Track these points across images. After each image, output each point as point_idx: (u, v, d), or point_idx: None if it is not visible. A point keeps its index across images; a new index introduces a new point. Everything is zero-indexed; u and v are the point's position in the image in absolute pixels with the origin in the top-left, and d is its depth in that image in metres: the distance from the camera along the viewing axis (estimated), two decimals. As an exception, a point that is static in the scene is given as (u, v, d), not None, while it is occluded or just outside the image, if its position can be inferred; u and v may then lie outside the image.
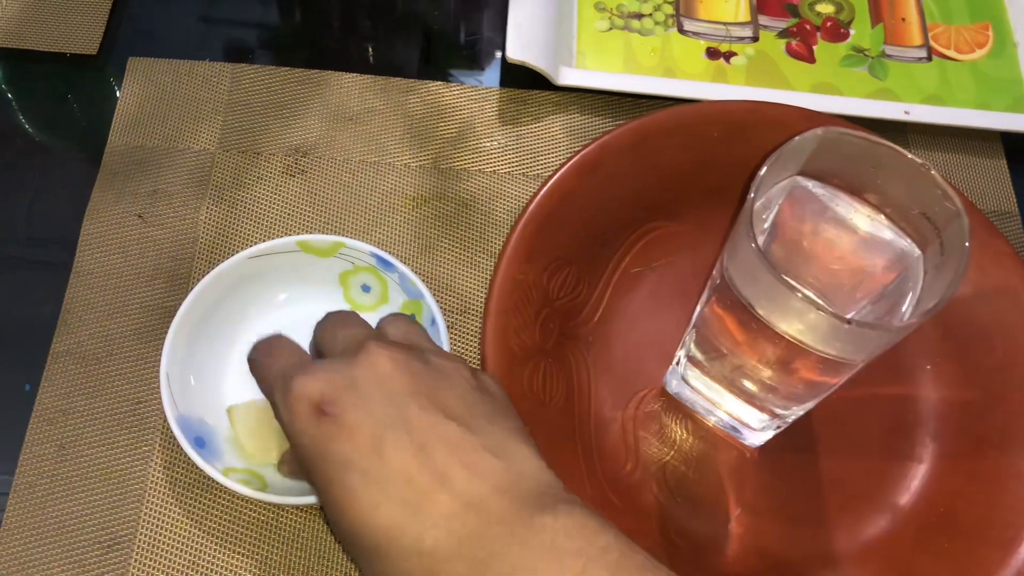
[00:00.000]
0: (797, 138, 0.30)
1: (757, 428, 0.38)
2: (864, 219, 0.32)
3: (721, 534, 0.38)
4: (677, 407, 0.40)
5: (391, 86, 0.49)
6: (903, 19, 0.54)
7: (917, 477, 0.39)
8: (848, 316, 0.26)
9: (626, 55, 0.51)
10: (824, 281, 0.35)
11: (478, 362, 0.41)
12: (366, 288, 0.42)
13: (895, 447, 0.40)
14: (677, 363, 0.39)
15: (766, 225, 0.32)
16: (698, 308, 0.35)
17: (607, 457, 0.39)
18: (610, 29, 0.52)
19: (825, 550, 0.37)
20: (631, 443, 0.40)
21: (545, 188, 0.41)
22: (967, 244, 0.28)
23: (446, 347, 0.38)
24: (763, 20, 0.53)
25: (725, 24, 0.53)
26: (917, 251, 0.31)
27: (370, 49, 0.52)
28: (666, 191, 0.44)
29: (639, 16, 0.52)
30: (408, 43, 0.52)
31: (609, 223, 0.43)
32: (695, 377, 0.38)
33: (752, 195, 0.28)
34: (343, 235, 0.44)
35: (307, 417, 0.27)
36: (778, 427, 0.37)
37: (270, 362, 0.32)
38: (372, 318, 0.42)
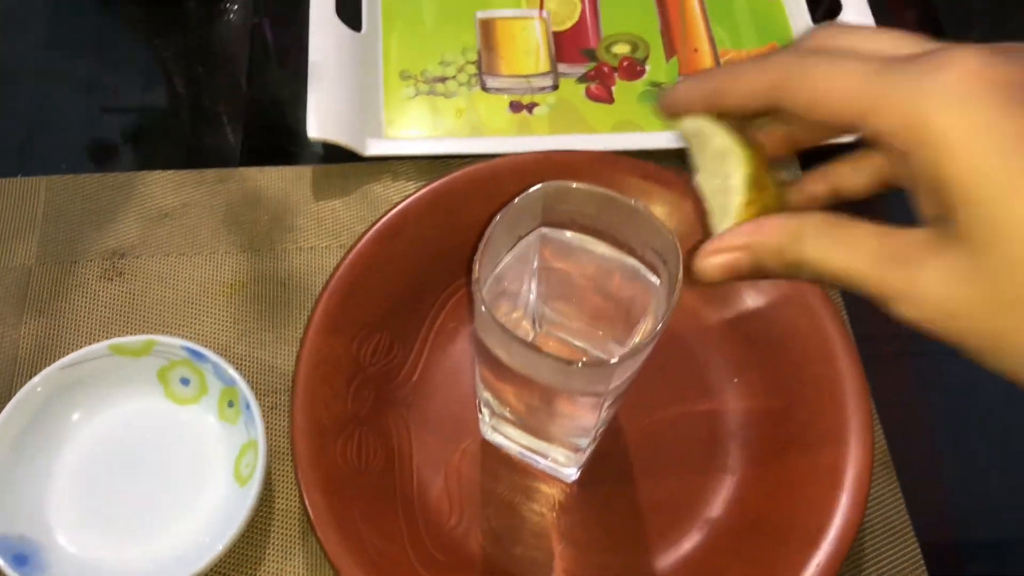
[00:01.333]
0: (518, 198, 0.32)
1: (565, 463, 0.39)
2: (612, 257, 0.34)
3: (545, 571, 0.39)
4: (495, 454, 0.42)
5: (204, 177, 0.50)
6: (695, 49, 0.57)
7: (729, 488, 0.41)
8: (595, 356, 0.28)
9: (433, 119, 0.53)
10: (594, 316, 0.36)
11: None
12: (185, 381, 0.43)
13: (708, 461, 0.42)
14: (481, 413, 0.40)
15: (531, 281, 0.34)
16: (474, 362, 0.37)
17: (431, 513, 0.40)
18: (416, 96, 0.54)
19: (646, 571, 0.39)
20: (455, 496, 0.41)
21: (347, 258, 0.43)
22: (679, 275, 0.29)
23: (261, 431, 0.39)
24: (562, 68, 0.56)
25: (526, 76, 0.55)
26: (657, 280, 0.33)
27: (188, 144, 0.53)
28: (471, 245, 0.45)
29: (443, 79, 0.55)
30: (220, 134, 0.53)
31: (419, 284, 0.45)
32: (498, 424, 0.39)
33: (477, 263, 0.30)
34: (162, 331, 0.45)
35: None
36: (582, 459, 0.39)
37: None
38: (195, 410, 0.43)
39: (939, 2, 0.62)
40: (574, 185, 0.32)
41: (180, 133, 0.54)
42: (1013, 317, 0.21)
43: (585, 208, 0.32)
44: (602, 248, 0.34)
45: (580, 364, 0.28)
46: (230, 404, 0.42)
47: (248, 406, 0.40)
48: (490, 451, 0.42)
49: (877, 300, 0.23)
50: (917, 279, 0.22)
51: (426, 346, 0.44)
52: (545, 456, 0.39)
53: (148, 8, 0.58)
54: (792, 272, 0.24)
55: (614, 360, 0.28)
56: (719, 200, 0.26)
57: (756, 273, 0.25)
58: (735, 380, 0.44)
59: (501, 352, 0.30)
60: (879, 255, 0.22)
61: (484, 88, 0.55)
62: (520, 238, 0.33)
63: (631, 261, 0.34)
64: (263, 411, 0.40)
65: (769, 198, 0.26)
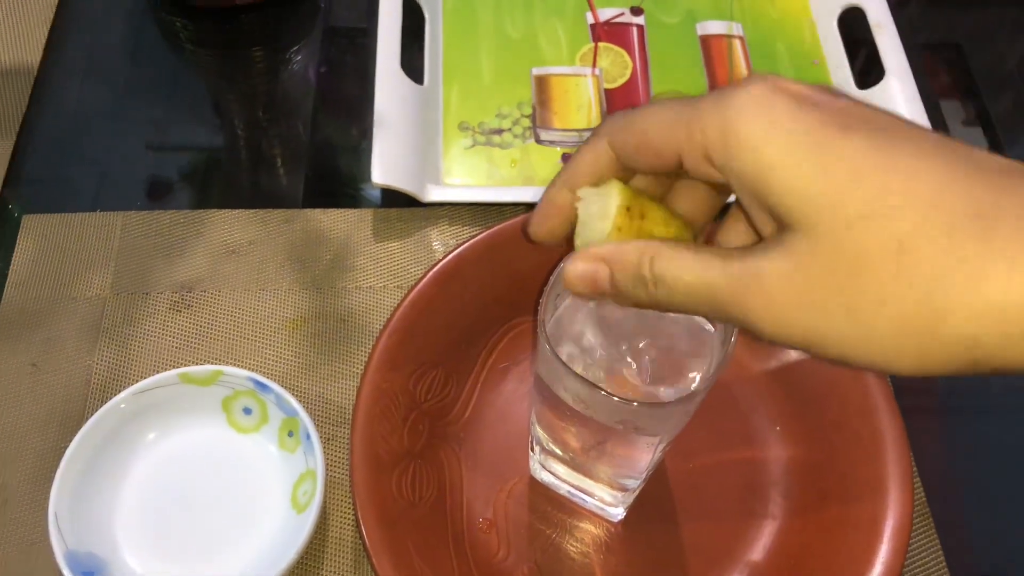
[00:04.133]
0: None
1: (612, 503, 0.41)
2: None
3: (590, 609, 0.40)
4: (543, 492, 0.43)
5: (270, 217, 0.53)
6: (741, 109, 0.59)
7: (770, 534, 0.42)
8: (640, 396, 0.30)
9: (488, 168, 0.56)
10: (651, 361, 0.38)
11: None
12: (247, 410, 0.45)
13: (749, 507, 0.43)
14: (533, 451, 0.42)
15: (587, 319, 0.36)
16: (533, 401, 0.39)
17: (480, 547, 0.41)
18: (473, 146, 0.56)
19: (688, 613, 0.40)
20: (503, 530, 0.42)
21: (406, 300, 0.45)
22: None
23: (320, 461, 0.41)
24: (613, 123, 0.58)
25: (578, 131, 0.58)
26: (710, 328, 0.35)
27: (252, 185, 0.56)
28: (523, 290, 0.48)
29: (499, 131, 0.57)
30: (283, 177, 0.56)
31: (472, 324, 0.47)
32: (549, 462, 0.41)
33: (542, 303, 0.32)
34: (226, 363, 0.47)
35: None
36: (629, 500, 0.40)
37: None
38: (256, 439, 0.45)
39: (975, 66, 0.64)
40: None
41: (245, 175, 0.56)
42: (841, 297, 0.22)
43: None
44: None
45: (636, 404, 0.30)
46: (290, 434, 0.44)
47: (308, 436, 0.42)
48: (538, 489, 0.43)
49: (732, 312, 0.23)
50: (761, 278, 0.23)
51: (478, 384, 0.46)
52: (592, 495, 0.41)
53: (219, 52, 0.62)
54: (650, 293, 0.25)
55: (671, 401, 0.30)
56: (597, 226, 0.27)
57: (616, 291, 0.26)
58: (777, 429, 0.45)
59: (561, 390, 0.32)
60: (729, 262, 0.24)
61: (538, 140, 0.57)
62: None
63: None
64: (322, 443, 0.42)
65: (652, 227, 0.27)
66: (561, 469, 0.41)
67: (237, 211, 0.53)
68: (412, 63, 0.57)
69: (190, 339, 0.48)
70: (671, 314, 0.35)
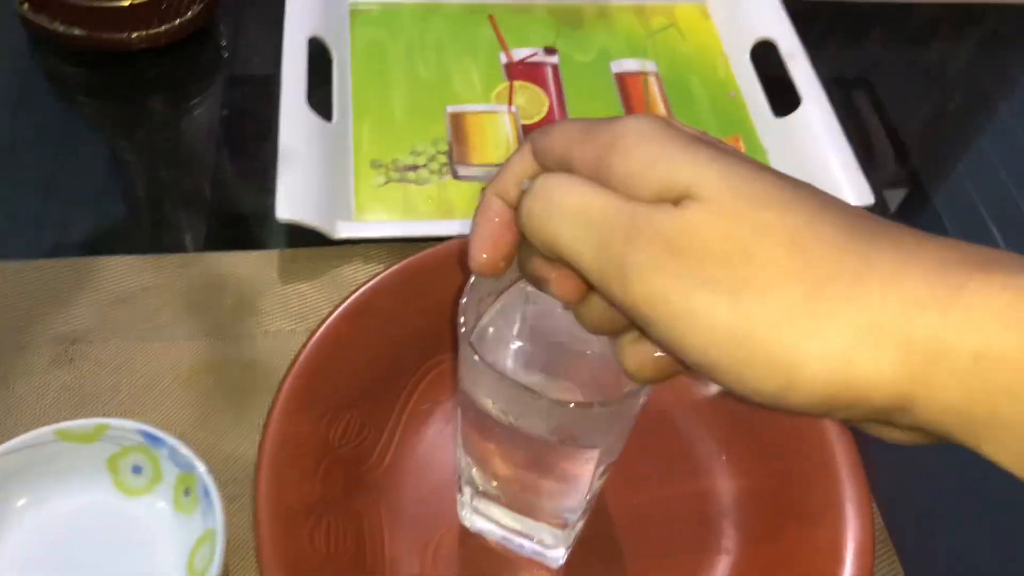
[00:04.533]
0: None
1: (552, 544, 0.37)
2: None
3: (533, 667, 0.36)
4: (476, 542, 0.39)
5: (165, 263, 0.49)
6: (662, 141, 0.58)
7: (725, 569, 0.38)
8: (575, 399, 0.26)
9: (404, 205, 0.53)
10: (584, 377, 0.35)
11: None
12: (137, 469, 0.39)
13: (700, 541, 0.39)
14: (461, 493, 0.37)
15: (515, 329, 0.33)
16: (458, 428, 0.35)
17: (406, 606, 0.37)
18: (387, 183, 0.54)
19: (642, 664, 0.36)
20: (432, 586, 0.37)
21: (314, 337, 0.41)
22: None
23: (221, 519, 0.36)
24: (532, 157, 0.56)
25: (497, 165, 0.55)
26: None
27: (148, 232, 0.52)
28: (444, 324, 0.44)
29: (414, 168, 0.55)
30: (184, 219, 0.52)
31: (390, 363, 0.43)
32: (480, 504, 0.37)
33: (461, 312, 0.28)
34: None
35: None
36: (570, 538, 0.36)
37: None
38: (147, 501, 0.39)
39: (886, 96, 0.64)
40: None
41: (140, 222, 0.52)
42: (727, 271, 0.21)
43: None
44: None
45: (572, 405, 0.26)
46: (187, 492, 0.39)
47: (207, 492, 0.37)
48: (469, 540, 0.39)
49: (612, 250, 0.22)
50: (654, 222, 0.22)
51: (399, 428, 0.42)
52: (531, 537, 0.37)
53: (113, 102, 0.58)
54: (529, 208, 0.24)
55: (606, 400, 0.27)
56: None
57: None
58: (723, 457, 0.42)
59: (488, 403, 0.28)
60: (628, 202, 0.23)
61: (456, 176, 0.55)
62: (503, 291, 0.32)
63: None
64: (223, 502, 0.37)
65: None
66: (495, 510, 0.36)
67: (128, 257, 0.49)
68: (320, 102, 0.54)
69: (72, 395, 0.43)
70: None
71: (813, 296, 0.20)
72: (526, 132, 0.57)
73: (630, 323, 0.24)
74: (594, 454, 0.30)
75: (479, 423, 0.31)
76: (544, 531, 0.36)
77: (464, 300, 0.29)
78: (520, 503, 0.35)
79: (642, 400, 0.28)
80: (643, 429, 0.41)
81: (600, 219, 0.22)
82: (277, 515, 0.36)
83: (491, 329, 0.31)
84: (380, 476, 0.40)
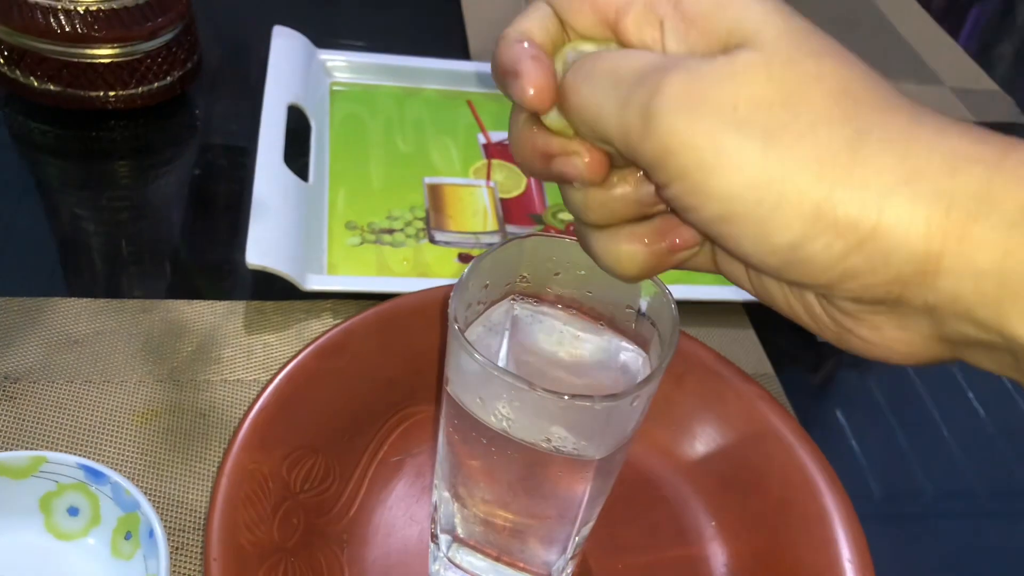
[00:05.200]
0: (499, 248, 0.29)
1: (534, 599, 0.33)
2: (587, 335, 0.31)
3: None
4: (447, 599, 0.35)
5: (125, 307, 0.46)
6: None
7: (720, 636, 0.35)
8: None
9: (379, 264, 0.51)
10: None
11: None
12: (73, 511, 0.36)
13: (692, 608, 0.36)
14: (436, 545, 0.34)
15: (503, 347, 0.31)
16: (438, 456, 0.32)
17: (368, 668, 0.32)
18: (361, 243, 0.52)
19: None
20: (397, 648, 0.33)
21: (282, 372, 0.38)
22: (674, 311, 0.27)
23: (165, 564, 0.32)
24: (510, 228, 0.56)
25: (474, 233, 0.55)
26: (642, 355, 0.30)
27: (109, 278, 0.49)
28: (420, 373, 0.42)
29: (391, 231, 0.53)
30: (149, 269, 0.50)
31: (360, 408, 0.40)
32: (457, 554, 0.33)
33: (452, 304, 0.27)
34: (51, 457, 0.38)
35: None
36: (555, 592, 0.33)
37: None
38: (82, 545, 0.35)
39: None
40: (552, 236, 0.30)
41: (103, 271, 0.50)
42: (767, 114, 0.20)
43: (562, 265, 0.30)
44: (576, 324, 0.31)
45: (567, 397, 0.24)
46: (127, 536, 0.35)
47: (151, 534, 0.33)
48: (440, 597, 0.35)
49: (638, 93, 0.21)
50: (690, 67, 0.21)
51: (366, 478, 0.39)
52: (511, 589, 0.33)
53: (82, 161, 0.56)
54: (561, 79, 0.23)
55: (604, 395, 0.24)
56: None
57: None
58: (712, 524, 0.39)
59: (479, 404, 0.26)
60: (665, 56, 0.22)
61: (432, 241, 0.53)
62: (493, 303, 0.30)
63: (607, 335, 0.31)
64: (168, 545, 0.33)
65: None
66: (473, 559, 0.33)
67: (86, 300, 0.46)
68: (297, 167, 0.53)
69: (10, 434, 0.39)
70: (592, 357, 0.31)
71: (855, 142, 0.19)
72: (504, 206, 0.57)
73: (641, 200, 0.23)
74: (587, 471, 0.27)
75: (466, 435, 0.28)
76: (527, 581, 0.33)
77: (453, 302, 0.27)
78: (502, 544, 0.31)
79: (636, 404, 0.26)
80: (628, 494, 0.39)
81: (628, 75, 0.21)
82: (229, 556, 0.32)
83: (510, 359, 0.29)
84: (343, 528, 0.37)
